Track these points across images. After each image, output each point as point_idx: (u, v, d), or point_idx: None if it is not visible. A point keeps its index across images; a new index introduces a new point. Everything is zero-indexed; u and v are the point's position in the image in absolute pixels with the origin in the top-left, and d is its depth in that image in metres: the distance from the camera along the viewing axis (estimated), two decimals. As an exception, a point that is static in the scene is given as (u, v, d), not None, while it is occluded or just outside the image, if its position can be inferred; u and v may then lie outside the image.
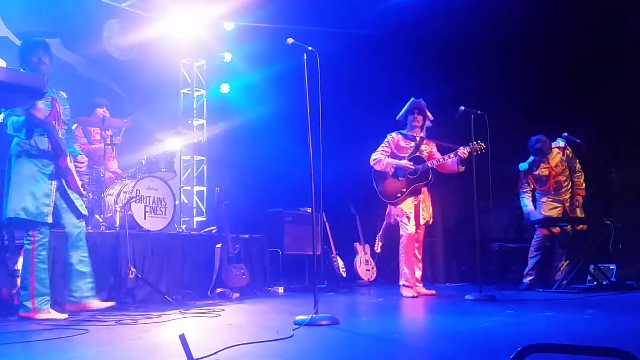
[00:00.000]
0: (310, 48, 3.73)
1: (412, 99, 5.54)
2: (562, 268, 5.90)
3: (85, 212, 4.23)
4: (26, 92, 3.02)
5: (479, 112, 5.13)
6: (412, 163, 5.38)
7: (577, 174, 6.15)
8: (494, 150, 5.18)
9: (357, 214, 7.16)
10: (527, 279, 5.99)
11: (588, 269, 5.69)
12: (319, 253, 6.32)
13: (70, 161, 4.10)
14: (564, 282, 5.48)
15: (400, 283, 5.42)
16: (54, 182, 4.02)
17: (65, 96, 4.23)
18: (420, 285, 5.53)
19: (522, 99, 6.93)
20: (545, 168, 6.12)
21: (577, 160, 6.15)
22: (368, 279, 6.97)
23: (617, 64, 6.44)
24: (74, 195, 4.13)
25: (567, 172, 6.14)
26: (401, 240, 5.43)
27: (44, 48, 4.06)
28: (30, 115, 3.80)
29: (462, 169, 5.32)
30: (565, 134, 5.94)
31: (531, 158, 6.15)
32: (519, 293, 5.57)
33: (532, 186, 6.23)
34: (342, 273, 6.72)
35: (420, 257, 5.52)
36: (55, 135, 4.00)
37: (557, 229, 5.89)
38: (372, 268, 7.10)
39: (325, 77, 3.74)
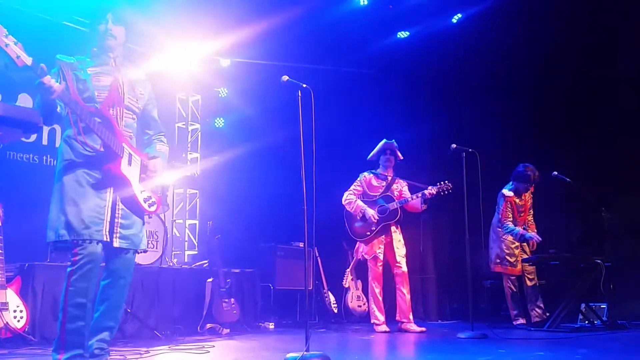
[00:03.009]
0: (304, 85, 3.79)
1: (385, 140, 5.80)
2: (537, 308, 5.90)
3: (123, 243, 2.97)
4: (20, 127, 3.03)
5: (470, 150, 5.21)
6: (377, 217, 5.57)
7: (531, 213, 6.21)
8: (485, 188, 5.24)
9: (349, 249, 7.14)
10: (518, 322, 5.95)
11: (579, 308, 5.68)
12: (311, 288, 6.29)
13: (129, 165, 3.01)
14: (556, 321, 5.46)
15: (372, 321, 5.61)
16: (109, 192, 2.94)
17: (144, 76, 3.26)
18: (412, 322, 5.54)
19: (513, 137, 7.02)
20: (521, 200, 6.15)
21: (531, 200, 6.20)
22: (360, 315, 6.91)
23: (608, 102, 6.57)
24: (122, 214, 2.98)
25: (529, 214, 6.19)
26: (370, 279, 5.65)
27: (117, 16, 3.06)
28: (42, 87, 2.72)
29: (424, 207, 5.56)
30: (556, 172, 6.00)
31: (511, 185, 6.14)
32: (511, 331, 5.54)
33: (510, 215, 6.10)
34: (334, 309, 6.67)
35: (405, 292, 5.57)
36: (103, 128, 2.91)
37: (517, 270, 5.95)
38: (364, 304, 7.05)
39: (320, 113, 3.79)
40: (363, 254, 5.71)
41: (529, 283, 5.97)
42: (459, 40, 7.40)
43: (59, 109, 2.88)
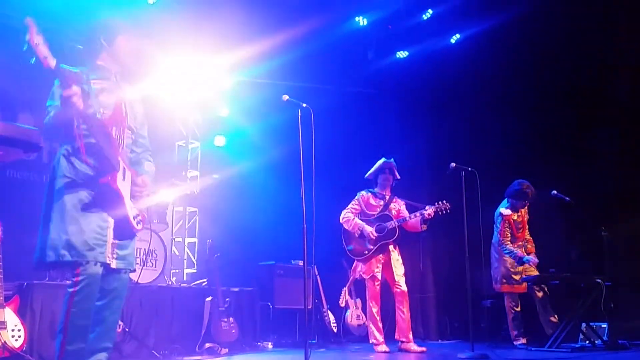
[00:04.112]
0: (304, 105, 3.82)
1: (384, 159, 5.80)
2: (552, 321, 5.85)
3: (120, 264, 2.96)
4: (21, 146, 3.00)
5: (469, 169, 5.21)
6: (376, 234, 5.55)
7: (527, 228, 6.22)
8: (484, 206, 5.23)
9: (349, 268, 7.12)
10: (519, 342, 5.90)
11: (580, 327, 5.65)
12: (311, 307, 6.25)
13: (123, 180, 2.95)
14: (557, 341, 5.42)
15: (370, 342, 5.55)
16: (109, 212, 2.94)
17: (138, 94, 3.25)
18: (412, 341, 5.50)
19: (513, 156, 7.04)
20: (519, 216, 6.15)
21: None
22: (359, 334, 6.87)
23: (607, 120, 6.59)
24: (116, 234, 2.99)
25: (525, 231, 6.21)
26: (367, 299, 5.61)
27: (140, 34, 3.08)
28: (66, 102, 2.66)
29: (424, 227, 5.54)
30: (555, 191, 6.00)
31: (507, 202, 6.13)
32: (512, 352, 5.49)
33: (509, 234, 6.07)
34: (333, 328, 6.63)
35: (404, 310, 5.53)
36: (106, 143, 2.88)
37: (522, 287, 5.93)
38: (364, 323, 7.00)
39: (319, 132, 3.81)
40: (361, 273, 5.67)
41: (539, 295, 5.92)
42: (457, 60, 7.46)
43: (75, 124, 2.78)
